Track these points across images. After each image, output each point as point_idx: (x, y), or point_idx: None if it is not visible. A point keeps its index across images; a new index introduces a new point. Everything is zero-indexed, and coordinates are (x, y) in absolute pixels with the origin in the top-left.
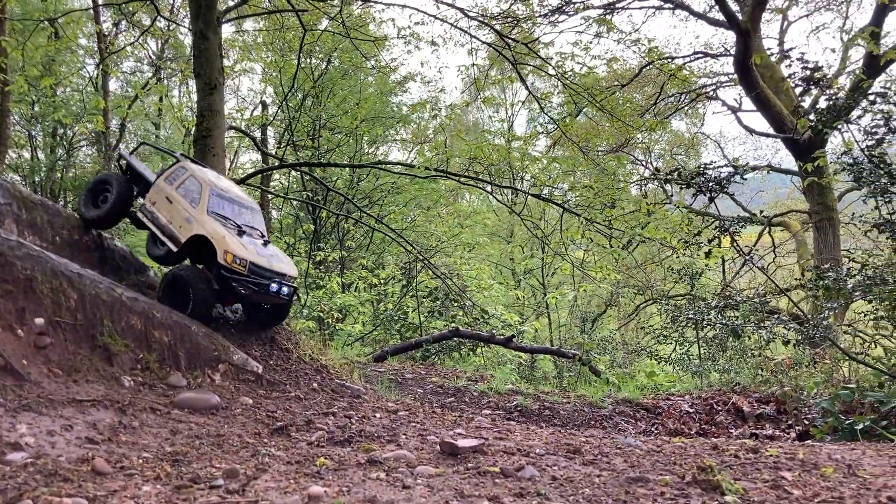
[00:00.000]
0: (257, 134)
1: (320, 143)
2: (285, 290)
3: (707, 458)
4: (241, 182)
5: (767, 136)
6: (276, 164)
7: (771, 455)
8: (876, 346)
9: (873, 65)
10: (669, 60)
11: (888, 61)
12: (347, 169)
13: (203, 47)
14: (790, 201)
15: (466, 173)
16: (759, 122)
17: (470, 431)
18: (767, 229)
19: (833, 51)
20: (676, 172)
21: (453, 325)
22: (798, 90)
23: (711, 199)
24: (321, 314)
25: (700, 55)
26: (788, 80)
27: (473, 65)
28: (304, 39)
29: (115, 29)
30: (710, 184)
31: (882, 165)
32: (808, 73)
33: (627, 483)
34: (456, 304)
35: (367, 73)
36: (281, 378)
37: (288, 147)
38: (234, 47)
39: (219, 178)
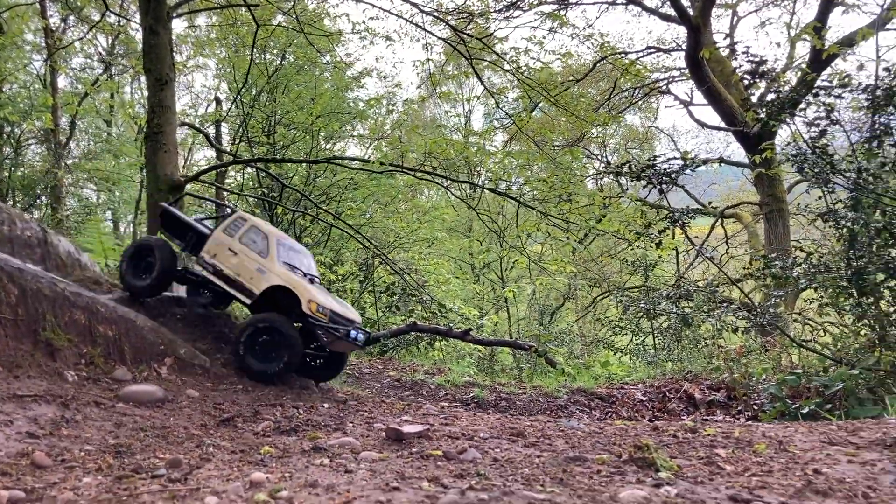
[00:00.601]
0: (211, 130)
1: (276, 139)
2: (361, 336)
3: (644, 438)
4: (193, 179)
5: (718, 129)
6: (230, 160)
7: (708, 434)
8: (825, 333)
9: (818, 59)
10: (623, 55)
11: (831, 56)
12: (304, 165)
13: (153, 43)
14: (742, 193)
15: (422, 168)
16: (711, 115)
17: (417, 418)
18: (720, 221)
19: (778, 45)
20: (627, 165)
21: (411, 319)
22: (744, 83)
23: (661, 192)
24: None
25: (652, 50)
26: (737, 73)
27: (429, 60)
28: (257, 35)
29: (63, 24)
30: (660, 176)
31: (824, 156)
32: (754, 66)
33: (566, 462)
34: (413, 299)
35: (323, 69)
36: (229, 371)
37: (242, 143)
38: (186, 43)
39: (275, 228)
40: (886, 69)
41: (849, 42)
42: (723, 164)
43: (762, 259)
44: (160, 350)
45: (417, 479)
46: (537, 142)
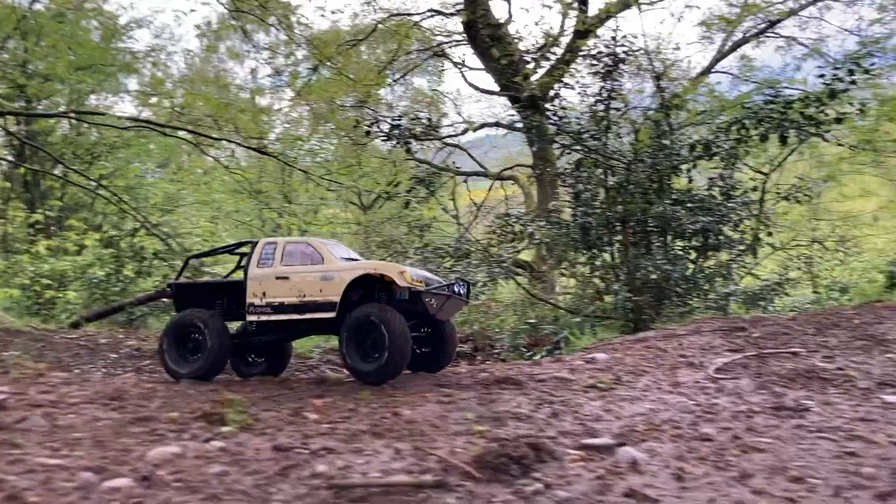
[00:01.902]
0: None
1: (29, 91)
2: (460, 289)
3: (229, 394)
4: None
5: (490, 92)
6: None
7: (333, 387)
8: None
9: (580, 30)
10: (407, 17)
11: (586, 25)
12: (66, 121)
13: None
14: (522, 157)
15: (171, 124)
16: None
17: (23, 387)
18: (500, 183)
19: (527, 10)
20: (376, 125)
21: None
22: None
23: (408, 150)
24: (27, 282)
25: (434, 13)
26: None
27: (192, 11)
28: None
29: None
30: (403, 136)
31: (551, 119)
32: (491, 32)
33: (130, 423)
34: (165, 264)
35: (86, 17)
36: None
37: None
38: None
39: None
40: (612, 38)
41: (602, 17)
42: (500, 128)
43: (504, 217)
44: None
45: None
46: (324, 102)
